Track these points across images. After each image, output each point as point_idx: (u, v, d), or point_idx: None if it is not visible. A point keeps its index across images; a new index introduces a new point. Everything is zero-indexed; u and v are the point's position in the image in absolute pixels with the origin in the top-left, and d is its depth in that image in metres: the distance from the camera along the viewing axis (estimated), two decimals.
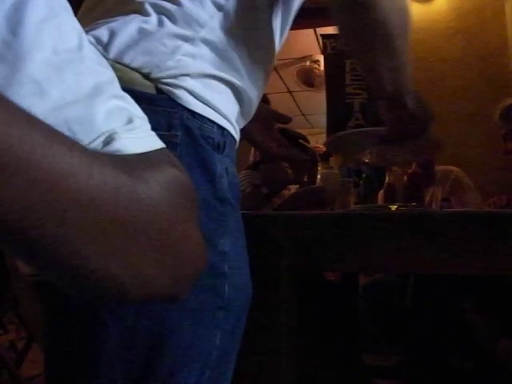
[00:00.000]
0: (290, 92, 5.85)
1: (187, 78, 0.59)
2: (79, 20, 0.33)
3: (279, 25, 0.73)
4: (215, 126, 0.61)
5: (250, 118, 0.73)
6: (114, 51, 0.56)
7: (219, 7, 0.62)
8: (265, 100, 1.17)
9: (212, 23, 0.61)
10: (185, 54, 0.59)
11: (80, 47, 0.32)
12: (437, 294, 1.73)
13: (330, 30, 3.33)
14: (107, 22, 0.58)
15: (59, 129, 0.26)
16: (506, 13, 3.05)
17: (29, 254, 0.25)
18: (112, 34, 0.57)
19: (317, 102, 5.01)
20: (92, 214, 0.24)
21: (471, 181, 2.24)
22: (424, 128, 0.89)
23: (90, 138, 0.29)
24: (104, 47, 0.56)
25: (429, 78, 3.15)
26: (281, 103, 5.49)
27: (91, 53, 0.33)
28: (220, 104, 0.62)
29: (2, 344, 1.99)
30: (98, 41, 0.57)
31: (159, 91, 0.57)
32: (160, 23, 0.59)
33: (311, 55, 4.92)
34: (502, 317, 1.75)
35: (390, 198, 1.76)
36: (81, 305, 0.52)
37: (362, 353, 1.91)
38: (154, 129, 0.59)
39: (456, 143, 3.00)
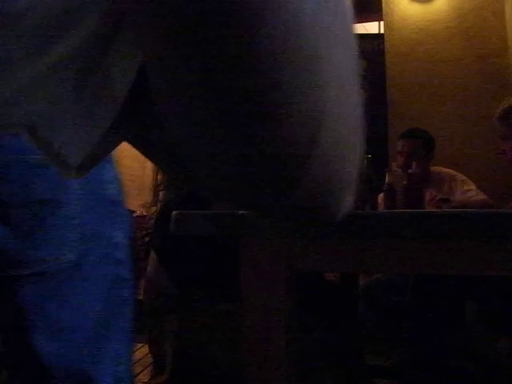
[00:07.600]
0: None
1: None
2: None
3: None
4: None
5: None
6: None
7: None
8: None
9: None
10: None
11: None
12: (437, 294, 1.73)
13: None
14: None
15: None
16: (506, 13, 3.05)
17: None
18: None
19: None
20: None
21: (470, 179, 2.25)
22: None
23: None
24: None
25: (429, 78, 3.15)
26: None
27: None
28: None
29: None
30: None
31: None
32: None
33: None
34: (501, 317, 1.76)
35: (390, 198, 1.76)
36: None
37: (362, 353, 1.91)
38: None
39: (456, 143, 3.01)
